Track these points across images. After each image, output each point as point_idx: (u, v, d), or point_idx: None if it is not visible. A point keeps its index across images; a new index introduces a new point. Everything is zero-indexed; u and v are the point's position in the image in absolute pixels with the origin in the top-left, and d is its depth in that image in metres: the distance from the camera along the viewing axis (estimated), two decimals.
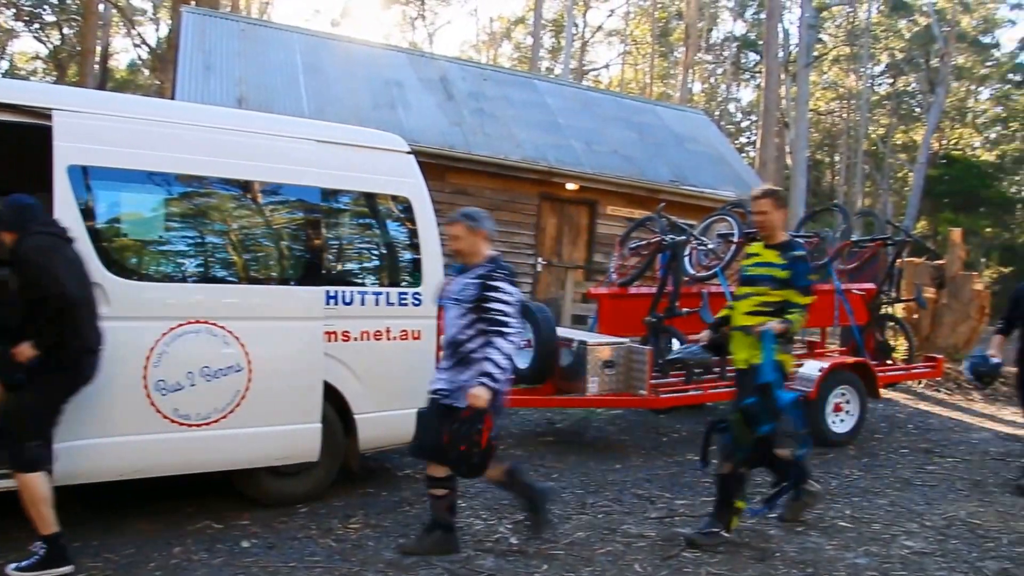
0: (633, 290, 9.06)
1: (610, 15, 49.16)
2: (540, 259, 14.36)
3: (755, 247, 5.53)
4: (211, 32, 13.74)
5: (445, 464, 4.75)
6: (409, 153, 6.24)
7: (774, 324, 5.09)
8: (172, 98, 12.44)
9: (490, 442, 4.64)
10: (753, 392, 5.13)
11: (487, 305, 4.63)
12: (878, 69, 45.33)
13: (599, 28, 49.13)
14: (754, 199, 5.40)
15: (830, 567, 5.03)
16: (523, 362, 7.93)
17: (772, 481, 5.55)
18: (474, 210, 4.96)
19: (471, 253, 4.84)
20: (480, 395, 4.54)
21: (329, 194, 5.76)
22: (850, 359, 8.99)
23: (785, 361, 5.26)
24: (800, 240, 5.71)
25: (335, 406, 5.69)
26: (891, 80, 45.68)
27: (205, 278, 5.28)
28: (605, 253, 14.09)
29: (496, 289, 4.65)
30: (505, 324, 4.61)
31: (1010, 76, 42.93)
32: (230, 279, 5.37)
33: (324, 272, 5.68)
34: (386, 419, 5.86)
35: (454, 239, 4.87)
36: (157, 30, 37.53)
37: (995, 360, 7.40)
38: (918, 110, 44.45)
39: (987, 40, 43.81)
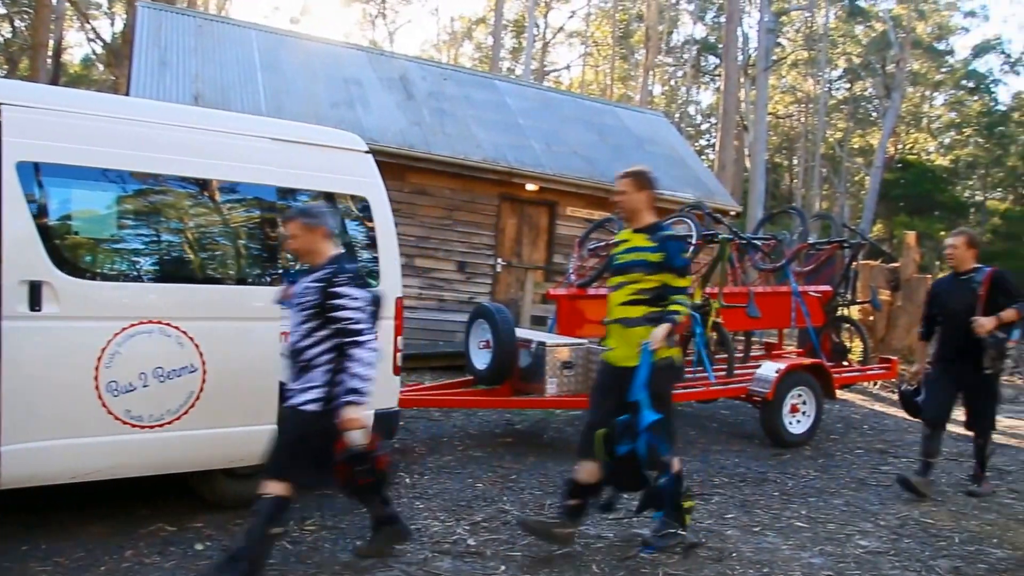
0: (592, 291, 9.07)
1: (571, 16, 49.51)
2: (500, 260, 14.34)
3: (623, 234, 5.23)
4: (167, 27, 13.56)
5: (354, 497, 4.69)
6: (367, 152, 6.18)
7: (658, 333, 4.75)
8: (127, 94, 12.25)
9: (388, 461, 4.53)
10: (627, 407, 4.81)
11: (335, 315, 4.32)
12: (835, 74, 45.98)
13: (560, 29, 49.34)
14: (616, 180, 5.12)
15: (785, 567, 5.07)
16: (482, 363, 7.93)
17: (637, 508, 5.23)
18: (312, 205, 4.72)
19: (310, 252, 4.53)
20: (353, 416, 4.28)
21: (285, 193, 5.69)
22: (806, 360, 9.07)
23: (673, 356, 4.97)
24: (668, 222, 5.26)
25: None
26: (848, 85, 46.33)
27: (158, 277, 5.18)
28: (565, 254, 14.11)
29: (340, 296, 4.32)
30: (359, 332, 4.31)
31: (963, 82, 43.76)
32: (184, 279, 5.28)
33: (279, 272, 5.62)
34: None
35: (291, 238, 4.56)
36: (112, 24, 37.03)
37: (918, 399, 7.21)
38: (874, 115, 45.11)
39: (941, 47, 44.57)
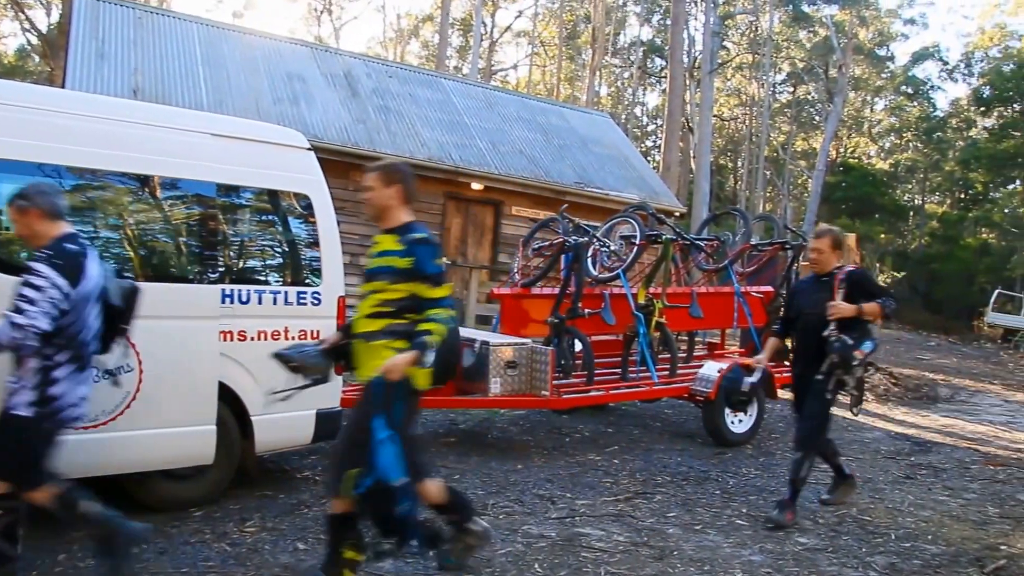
0: (536, 291, 9.07)
1: (518, 16, 49.55)
2: (445, 259, 14.25)
3: (376, 237, 4.46)
4: (105, 19, 13.30)
5: None
6: (309, 150, 6.12)
7: (398, 361, 4.01)
8: (63, 86, 12.00)
9: None
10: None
11: (19, 289, 3.90)
12: (779, 77, 46.65)
13: (507, 28, 49.40)
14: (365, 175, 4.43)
15: (726, 565, 5.10)
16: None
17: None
18: (27, 187, 4.18)
19: (32, 237, 4.10)
20: None
21: (225, 190, 5.61)
22: (748, 360, 9.14)
23: (416, 376, 4.16)
24: (422, 223, 4.37)
25: (231, 407, 5.54)
26: (791, 88, 47.02)
27: None
28: (510, 253, 14.10)
29: (30, 271, 3.90)
30: (18, 310, 3.82)
31: (903, 88, 44.64)
32: (120, 276, 5.16)
33: (219, 270, 5.53)
34: (284, 420, 5.73)
35: (12, 223, 4.22)
36: (48, 15, 36.23)
37: (749, 380, 6.80)
38: (817, 119, 45.83)
39: (882, 53, 45.48)
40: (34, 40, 36.27)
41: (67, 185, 4.98)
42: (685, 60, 33.21)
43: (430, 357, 4.10)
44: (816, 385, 6.01)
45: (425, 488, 4.38)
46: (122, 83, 12.03)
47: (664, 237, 8.98)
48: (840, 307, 5.82)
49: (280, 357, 4.48)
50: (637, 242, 8.77)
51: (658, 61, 45.89)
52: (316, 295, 5.92)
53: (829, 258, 6.11)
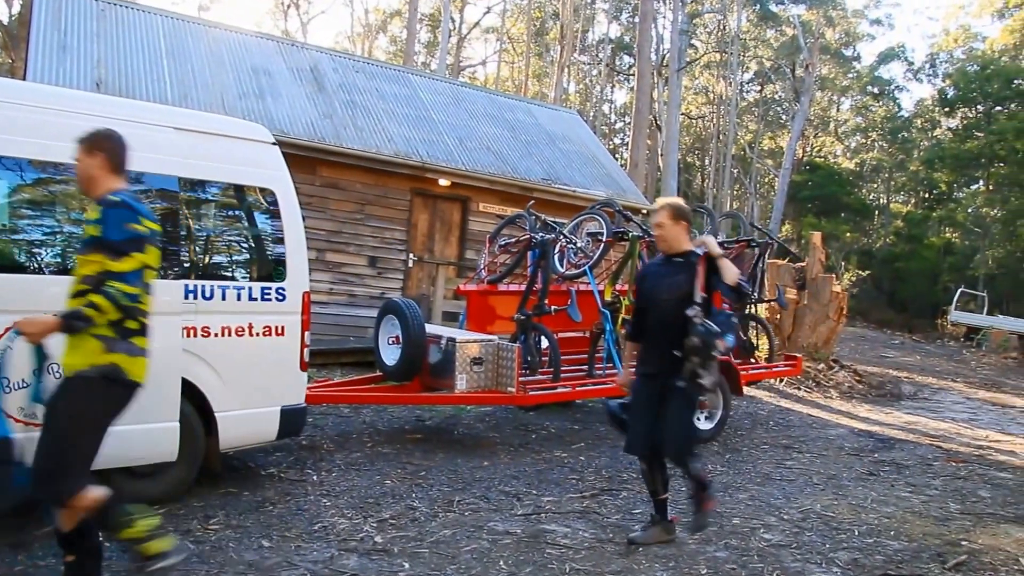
0: (503, 287, 9.06)
1: (487, 12, 49.49)
2: (412, 255, 14.25)
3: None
4: (67, 10, 13.09)
5: None
6: (274, 144, 6.07)
7: (37, 323, 3.65)
8: (24, 79, 11.82)
9: None
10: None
11: None
12: (747, 76, 46.91)
13: (476, 24, 49.23)
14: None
15: (691, 561, 5.12)
16: (391, 358, 7.87)
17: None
18: None
19: None
20: None
21: (187, 184, 5.55)
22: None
23: (123, 365, 3.80)
24: (128, 192, 3.97)
25: (195, 404, 5.49)
26: (759, 88, 47.34)
27: (52, 270, 5.00)
28: (477, 250, 14.08)
29: None
30: None
31: (869, 88, 45.05)
32: None
33: (182, 265, 5.47)
34: (249, 417, 5.70)
35: None
36: (9, 6, 35.57)
37: (613, 403, 5.76)
38: (784, 118, 46.16)
39: (848, 53, 45.87)
40: None
41: (29, 179, 4.93)
42: (653, 58, 33.33)
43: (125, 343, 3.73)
44: (681, 387, 5.11)
45: (82, 495, 3.76)
46: (85, 76, 11.86)
47: (631, 234, 8.99)
48: (707, 240, 5.20)
49: None
50: (604, 239, 8.79)
51: (626, 59, 45.95)
52: (281, 291, 5.88)
53: (673, 232, 5.29)
